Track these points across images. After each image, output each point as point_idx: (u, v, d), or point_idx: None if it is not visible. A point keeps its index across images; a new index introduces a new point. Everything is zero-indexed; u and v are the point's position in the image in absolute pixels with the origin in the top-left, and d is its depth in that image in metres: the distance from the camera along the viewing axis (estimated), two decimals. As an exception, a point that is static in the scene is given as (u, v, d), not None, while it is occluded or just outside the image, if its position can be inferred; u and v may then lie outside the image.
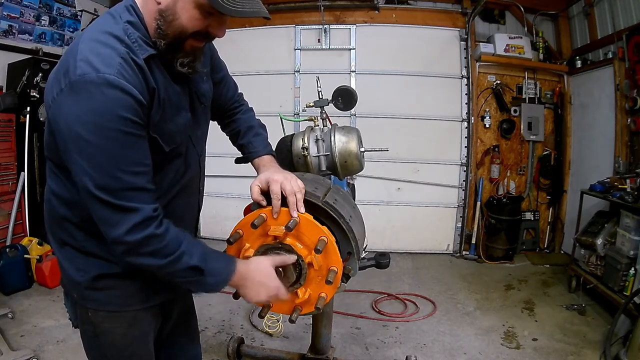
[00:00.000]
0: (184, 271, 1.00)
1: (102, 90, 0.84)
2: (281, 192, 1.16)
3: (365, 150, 1.75)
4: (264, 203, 1.20)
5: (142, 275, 1.09)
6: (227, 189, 5.01)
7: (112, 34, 0.90)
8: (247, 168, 4.97)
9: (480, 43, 4.62)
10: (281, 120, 2.02)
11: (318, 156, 1.71)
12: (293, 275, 1.19)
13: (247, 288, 1.11)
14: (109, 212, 0.90)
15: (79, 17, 5.12)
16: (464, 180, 4.67)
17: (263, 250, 1.22)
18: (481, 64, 4.64)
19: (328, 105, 1.92)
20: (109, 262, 1.08)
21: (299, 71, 4.76)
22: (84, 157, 0.87)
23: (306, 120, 1.87)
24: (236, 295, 1.19)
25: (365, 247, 1.51)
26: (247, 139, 1.43)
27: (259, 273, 1.12)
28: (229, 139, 1.49)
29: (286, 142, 1.77)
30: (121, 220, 0.90)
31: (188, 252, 0.99)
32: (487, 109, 4.71)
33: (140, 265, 0.98)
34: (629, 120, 3.77)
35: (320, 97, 1.92)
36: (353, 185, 2.05)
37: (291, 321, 1.24)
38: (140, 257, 0.95)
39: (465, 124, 4.63)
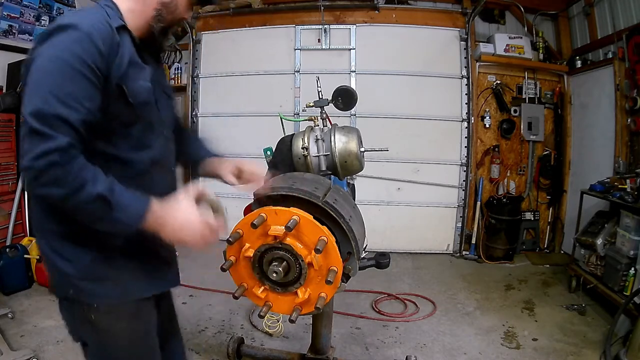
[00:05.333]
0: (89, 203, 0.95)
1: (71, 32, 0.96)
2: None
3: (365, 150, 1.76)
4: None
5: (132, 262, 1.14)
6: (227, 189, 4.99)
7: (92, 8, 1.09)
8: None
9: (480, 43, 4.62)
10: (281, 120, 2.03)
11: (318, 156, 1.71)
12: (220, 209, 1.17)
13: (167, 229, 1.03)
14: (30, 139, 0.92)
15: (79, 17, 5.12)
16: (464, 180, 4.67)
17: (263, 250, 1.23)
18: (481, 64, 4.64)
19: (328, 105, 1.92)
20: (97, 245, 1.09)
21: (299, 71, 4.76)
22: (32, 83, 0.95)
23: (306, 120, 1.87)
24: (236, 295, 1.19)
25: (365, 247, 1.51)
26: (199, 145, 1.58)
27: (180, 212, 1.05)
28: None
29: (286, 142, 1.77)
30: (34, 147, 0.91)
31: (93, 180, 0.95)
32: (487, 109, 4.71)
33: (44, 196, 0.97)
34: (629, 120, 3.77)
35: (320, 97, 1.93)
36: (353, 185, 2.05)
37: (291, 321, 1.25)
38: (44, 188, 0.94)
39: (465, 124, 4.63)
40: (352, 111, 4.42)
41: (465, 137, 4.63)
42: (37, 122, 0.91)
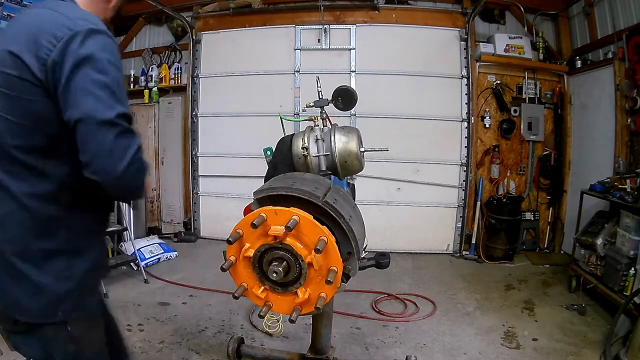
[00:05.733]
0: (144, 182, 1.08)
1: (108, 38, 1.02)
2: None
3: (365, 150, 1.76)
4: None
5: (100, 269, 1.21)
6: (227, 189, 5.01)
7: (83, 10, 1.11)
8: (246, 168, 5.01)
9: (480, 43, 4.62)
10: (281, 120, 2.02)
11: (318, 156, 1.71)
12: None
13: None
14: (126, 137, 0.98)
15: (79, 17, 5.12)
16: (464, 180, 4.67)
17: (263, 250, 1.22)
18: (481, 64, 4.64)
19: (328, 105, 1.92)
20: (87, 256, 1.11)
21: (299, 71, 4.76)
22: (103, 86, 0.97)
23: (306, 120, 1.87)
24: (236, 295, 1.19)
25: (365, 247, 1.51)
26: None
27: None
28: None
29: (286, 142, 1.77)
30: (133, 143, 0.99)
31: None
32: (487, 109, 4.71)
33: (140, 187, 1.06)
34: (629, 120, 3.77)
35: (320, 97, 1.92)
36: (353, 185, 2.05)
37: (291, 321, 1.24)
38: (142, 177, 1.04)
39: (465, 124, 4.63)
40: (352, 111, 4.43)
41: (465, 137, 4.63)
42: (127, 122, 0.99)
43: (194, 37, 5.02)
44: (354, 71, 4.67)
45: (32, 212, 1.02)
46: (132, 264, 3.98)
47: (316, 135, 1.72)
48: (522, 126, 4.68)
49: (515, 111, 4.68)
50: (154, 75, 5.30)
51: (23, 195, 1.01)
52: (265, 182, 1.61)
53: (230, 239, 1.23)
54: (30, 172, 1.01)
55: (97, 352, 1.19)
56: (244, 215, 1.28)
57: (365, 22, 4.70)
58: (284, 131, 1.92)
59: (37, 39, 0.96)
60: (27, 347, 1.13)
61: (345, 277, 1.35)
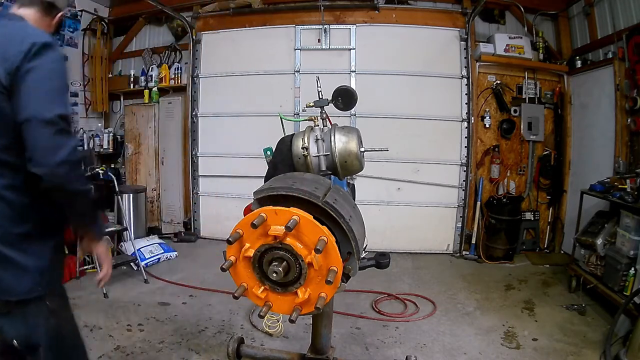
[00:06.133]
0: (89, 195, 1.27)
1: (57, 51, 1.21)
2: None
3: (365, 150, 1.75)
4: None
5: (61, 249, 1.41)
6: (227, 189, 5.01)
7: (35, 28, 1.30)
8: (246, 168, 5.01)
9: (480, 43, 4.62)
10: (281, 120, 2.02)
11: (318, 156, 1.70)
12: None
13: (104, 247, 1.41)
14: (61, 137, 1.14)
15: (79, 17, 5.12)
16: (464, 180, 4.67)
17: (263, 250, 1.22)
18: (481, 64, 4.64)
19: (328, 105, 1.92)
20: (51, 234, 1.29)
21: (299, 71, 4.76)
22: (46, 90, 1.15)
23: (306, 120, 1.86)
24: (236, 295, 1.19)
25: (365, 247, 1.51)
26: None
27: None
28: None
29: (286, 142, 1.77)
30: (67, 142, 1.16)
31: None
32: (487, 109, 4.71)
33: (76, 189, 1.20)
34: (629, 120, 3.77)
35: (320, 97, 1.92)
36: (353, 185, 2.05)
37: (291, 321, 1.24)
38: (79, 179, 1.21)
39: (465, 124, 4.63)
40: (352, 111, 4.43)
41: (465, 137, 4.63)
42: (64, 123, 1.15)
43: (194, 37, 5.02)
44: (354, 71, 4.67)
45: (9, 202, 1.18)
46: (132, 264, 3.98)
47: (316, 135, 1.72)
48: (522, 126, 4.68)
49: (515, 111, 4.68)
50: (154, 75, 5.30)
51: (2, 188, 1.17)
52: (265, 182, 1.61)
53: (230, 239, 1.23)
54: (7, 167, 1.17)
55: (73, 328, 1.41)
56: (244, 215, 1.28)
57: (365, 22, 4.70)
58: (284, 131, 1.92)
59: (6, 54, 1.13)
60: (12, 328, 1.25)
61: (345, 277, 1.35)
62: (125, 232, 4.25)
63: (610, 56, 3.94)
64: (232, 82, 4.93)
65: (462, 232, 4.68)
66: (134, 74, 5.44)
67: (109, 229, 3.90)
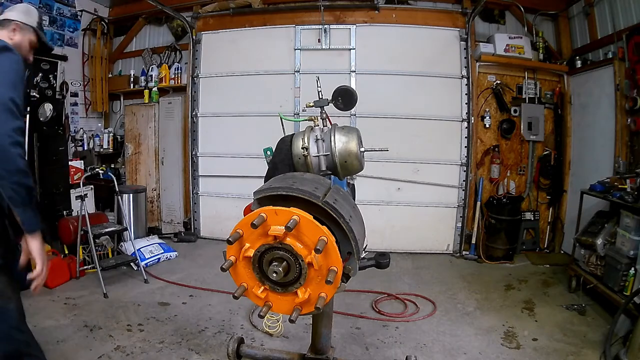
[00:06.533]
0: (29, 183, 1.43)
1: (15, 53, 1.53)
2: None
3: (365, 150, 1.75)
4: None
5: None
6: (227, 189, 5.01)
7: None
8: (245, 168, 5.00)
9: (480, 43, 4.62)
10: (281, 120, 2.02)
11: (318, 156, 1.70)
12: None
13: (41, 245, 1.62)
14: (7, 116, 1.37)
15: (79, 17, 5.13)
16: (464, 180, 4.67)
17: (263, 250, 1.22)
18: (481, 64, 4.64)
19: (328, 105, 1.92)
20: None
21: (299, 71, 4.76)
22: (3, 80, 1.42)
23: (306, 120, 1.86)
24: (236, 295, 1.19)
25: (365, 247, 1.51)
26: None
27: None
28: None
29: (286, 142, 1.77)
30: (12, 122, 1.38)
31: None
32: (487, 109, 4.71)
33: (20, 168, 1.38)
34: (629, 120, 3.77)
35: (320, 97, 1.92)
36: (353, 185, 2.05)
37: (291, 321, 1.24)
38: (21, 157, 1.38)
39: (465, 124, 4.63)
40: (352, 111, 4.43)
41: (465, 137, 4.63)
42: (13, 105, 1.38)
43: (194, 37, 5.02)
44: (354, 71, 4.67)
45: None
46: (132, 264, 3.98)
47: (316, 135, 1.72)
48: (522, 126, 4.68)
49: (515, 111, 4.68)
50: (154, 75, 5.30)
51: None
52: (265, 182, 1.61)
53: (230, 239, 1.23)
54: None
55: (19, 309, 1.65)
56: (244, 215, 1.28)
57: (365, 22, 4.70)
58: (284, 131, 1.91)
59: None
60: None
61: (345, 277, 1.35)
62: (125, 232, 4.25)
63: (610, 56, 3.94)
64: (232, 82, 4.93)
65: (462, 232, 4.68)
66: (134, 74, 5.44)
67: (109, 229, 3.90)
